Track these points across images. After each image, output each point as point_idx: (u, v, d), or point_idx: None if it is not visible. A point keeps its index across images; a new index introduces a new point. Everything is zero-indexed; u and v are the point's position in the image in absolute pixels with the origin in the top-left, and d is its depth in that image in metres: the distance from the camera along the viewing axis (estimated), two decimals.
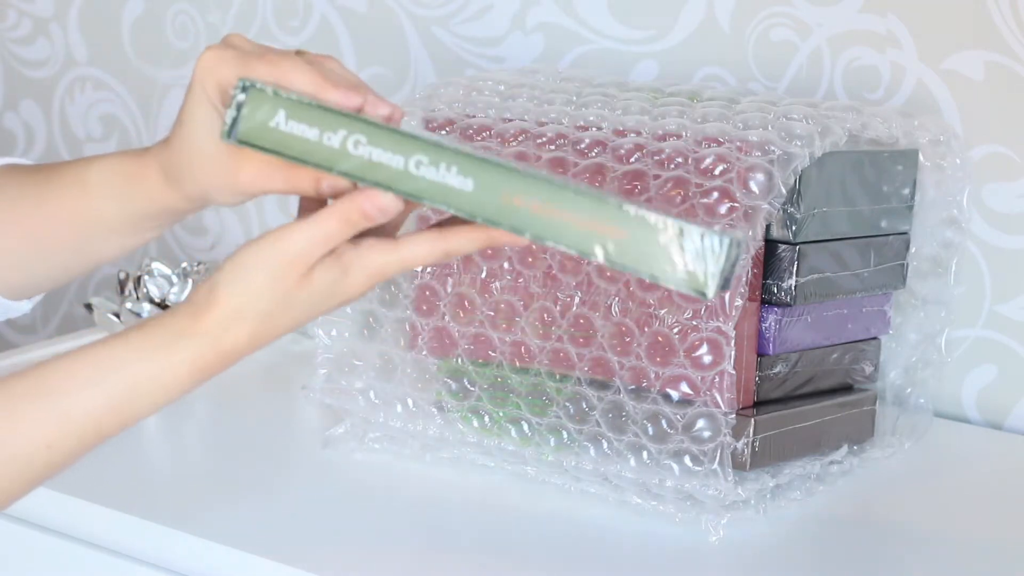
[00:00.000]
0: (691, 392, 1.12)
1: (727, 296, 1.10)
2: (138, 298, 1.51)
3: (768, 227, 1.14)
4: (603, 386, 1.16)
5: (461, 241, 0.88)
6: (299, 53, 0.92)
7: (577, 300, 1.17)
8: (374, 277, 0.88)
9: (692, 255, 0.83)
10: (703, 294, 0.83)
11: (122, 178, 0.97)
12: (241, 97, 0.85)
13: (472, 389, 1.22)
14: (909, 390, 1.32)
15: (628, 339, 1.14)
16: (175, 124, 0.93)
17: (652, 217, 0.83)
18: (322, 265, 0.87)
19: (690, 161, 1.13)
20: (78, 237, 1.00)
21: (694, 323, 1.11)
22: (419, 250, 0.88)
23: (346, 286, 0.88)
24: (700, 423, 1.11)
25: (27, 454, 0.87)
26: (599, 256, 0.83)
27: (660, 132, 1.16)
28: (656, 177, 1.13)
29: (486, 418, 1.21)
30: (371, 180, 0.85)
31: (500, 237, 0.87)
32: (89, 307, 1.53)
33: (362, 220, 0.86)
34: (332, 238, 0.87)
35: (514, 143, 1.21)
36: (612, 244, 0.83)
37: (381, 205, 0.86)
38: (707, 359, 1.11)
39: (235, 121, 0.86)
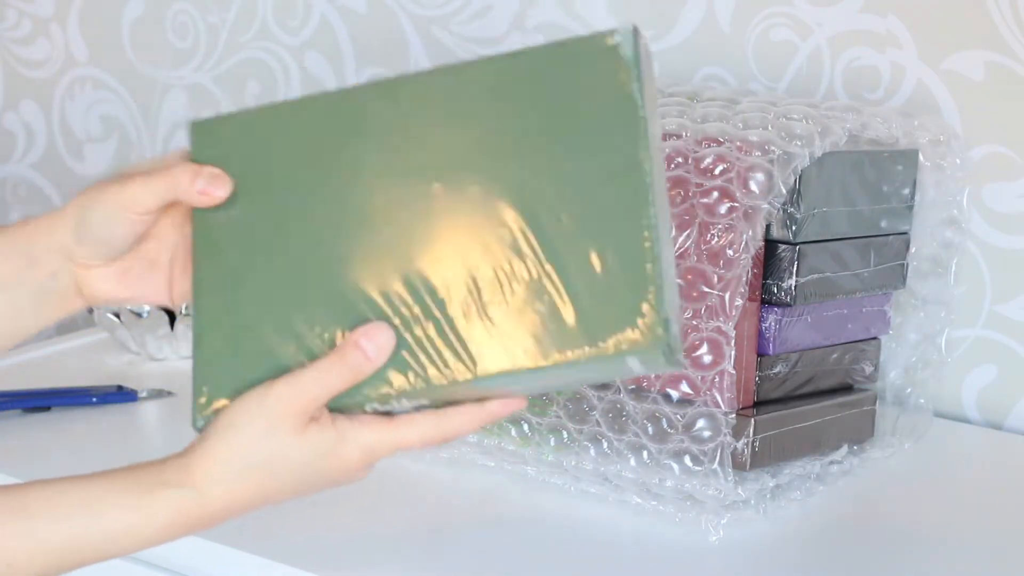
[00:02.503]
0: (691, 392, 1.12)
1: (727, 296, 1.10)
2: None
3: (768, 227, 1.14)
4: (603, 386, 1.16)
5: (460, 421, 0.88)
6: None
7: None
8: (367, 454, 0.87)
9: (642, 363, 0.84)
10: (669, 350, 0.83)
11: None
12: None
13: None
14: (909, 390, 1.32)
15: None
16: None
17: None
18: (317, 425, 0.86)
19: (690, 161, 1.13)
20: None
21: (694, 323, 1.11)
22: (416, 431, 0.87)
23: (341, 457, 0.87)
24: (700, 423, 1.11)
25: None
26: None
27: (660, 132, 1.16)
28: None
29: None
30: None
31: (497, 411, 0.87)
32: (89, 307, 1.53)
33: (364, 362, 0.85)
34: (330, 385, 0.86)
35: None
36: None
37: (380, 343, 0.85)
38: (707, 359, 1.11)
39: None
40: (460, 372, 0.85)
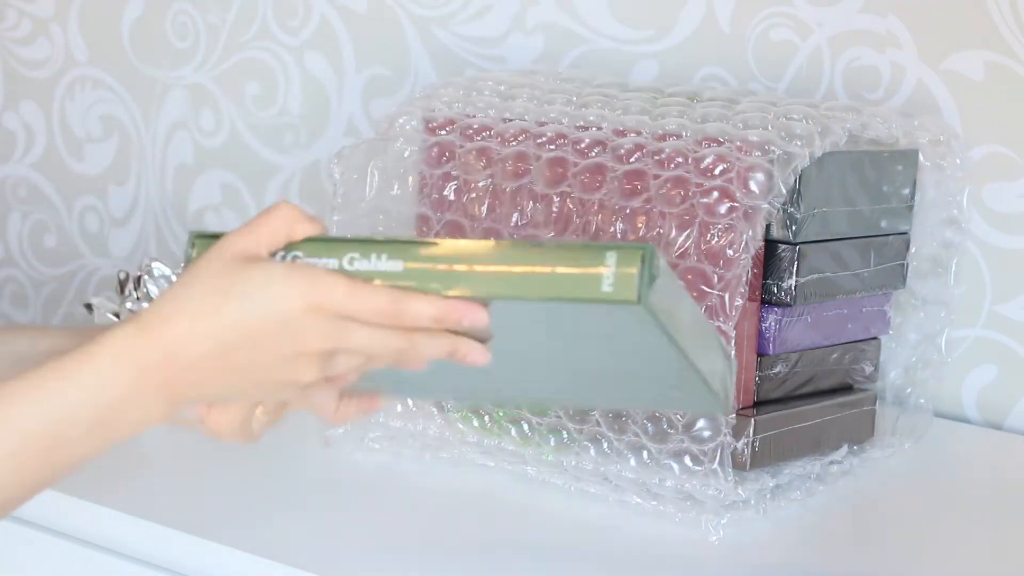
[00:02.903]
0: None
1: (727, 296, 1.10)
2: (138, 298, 1.51)
3: (768, 227, 1.14)
4: None
5: (419, 307, 0.82)
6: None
7: None
8: (314, 302, 0.81)
9: (613, 265, 0.82)
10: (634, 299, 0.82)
11: None
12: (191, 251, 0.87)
13: None
14: (909, 390, 1.32)
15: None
16: None
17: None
18: (267, 262, 0.82)
19: (690, 161, 1.13)
20: None
21: None
22: (372, 296, 0.82)
23: (283, 290, 0.80)
24: (700, 423, 1.11)
25: None
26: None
27: (660, 132, 1.16)
28: (656, 177, 1.13)
29: (486, 418, 1.21)
30: None
31: (463, 347, 0.84)
32: (89, 307, 1.53)
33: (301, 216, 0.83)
34: (283, 227, 0.83)
35: (514, 143, 1.21)
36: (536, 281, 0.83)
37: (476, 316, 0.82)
38: None
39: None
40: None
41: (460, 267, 0.84)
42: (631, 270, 0.81)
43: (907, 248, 1.27)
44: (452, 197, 1.24)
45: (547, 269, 0.82)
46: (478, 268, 0.84)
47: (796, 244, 1.15)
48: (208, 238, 0.87)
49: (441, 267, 0.84)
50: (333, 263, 0.84)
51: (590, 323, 0.85)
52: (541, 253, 0.83)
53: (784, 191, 1.11)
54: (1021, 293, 1.36)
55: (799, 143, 1.12)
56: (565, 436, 1.18)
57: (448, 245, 0.84)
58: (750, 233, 1.10)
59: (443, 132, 1.25)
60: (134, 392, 0.81)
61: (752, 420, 1.14)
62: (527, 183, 1.19)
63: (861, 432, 1.26)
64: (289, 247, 0.84)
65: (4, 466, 0.80)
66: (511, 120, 1.23)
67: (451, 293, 0.84)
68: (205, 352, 0.81)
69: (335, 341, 0.82)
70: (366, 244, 0.85)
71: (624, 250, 0.82)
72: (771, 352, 1.17)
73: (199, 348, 0.81)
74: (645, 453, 1.14)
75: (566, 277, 0.82)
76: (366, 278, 0.83)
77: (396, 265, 0.84)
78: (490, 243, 0.84)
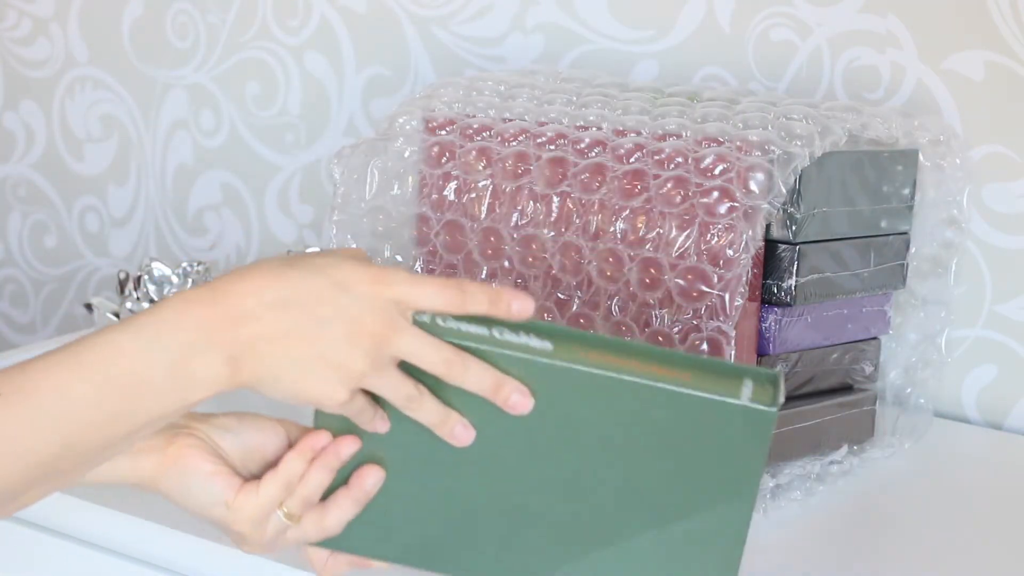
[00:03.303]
0: None
1: (727, 296, 1.10)
2: (138, 298, 1.51)
3: (768, 227, 1.14)
4: None
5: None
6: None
7: (577, 300, 1.17)
8: (377, 273, 0.83)
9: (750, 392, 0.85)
10: (774, 401, 0.85)
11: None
12: None
13: None
14: (909, 390, 1.32)
15: (628, 339, 1.14)
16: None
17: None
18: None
19: (690, 161, 1.13)
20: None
21: (694, 323, 1.11)
22: (433, 284, 0.84)
23: (352, 272, 0.83)
24: None
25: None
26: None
27: (660, 132, 1.16)
28: (656, 177, 1.14)
29: None
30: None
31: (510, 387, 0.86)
32: (89, 307, 1.53)
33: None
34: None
35: (514, 143, 1.21)
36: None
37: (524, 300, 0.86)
38: None
39: None
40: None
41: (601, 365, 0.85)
42: (768, 389, 0.85)
43: (907, 248, 1.27)
44: (452, 197, 1.24)
45: (683, 391, 0.85)
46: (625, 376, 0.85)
47: (796, 244, 1.15)
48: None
49: (585, 356, 0.85)
50: (483, 330, 0.86)
51: (690, 419, 0.86)
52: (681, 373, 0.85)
53: (784, 191, 1.11)
54: (1021, 293, 1.36)
55: (799, 143, 1.12)
56: None
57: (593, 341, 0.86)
58: (750, 233, 1.10)
59: (443, 132, 1.25)
60: (198, 346, 0.81)
61: None
62: (527, 183, 1.19)
63: (861, 432, 1.26)
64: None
65: (87, 410, 0.80)
66: (511, 120, 1.23)
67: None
68: (267, 304, 0.81)
69: (390, 328, 0.83)
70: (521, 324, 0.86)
71: (760, 376, 0.85)
72: (771, 352, 1.17)
73: (261, 301, 0.81)
74: None
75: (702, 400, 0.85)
76: (513, 350, 0.85)
77: (545, 344, 0.86)
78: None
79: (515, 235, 1.19)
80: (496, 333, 0.86)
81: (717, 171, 1.11)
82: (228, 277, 0.83)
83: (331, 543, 0.91)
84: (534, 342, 0.85)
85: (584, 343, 0.86)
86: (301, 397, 0.84)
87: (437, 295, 0.84)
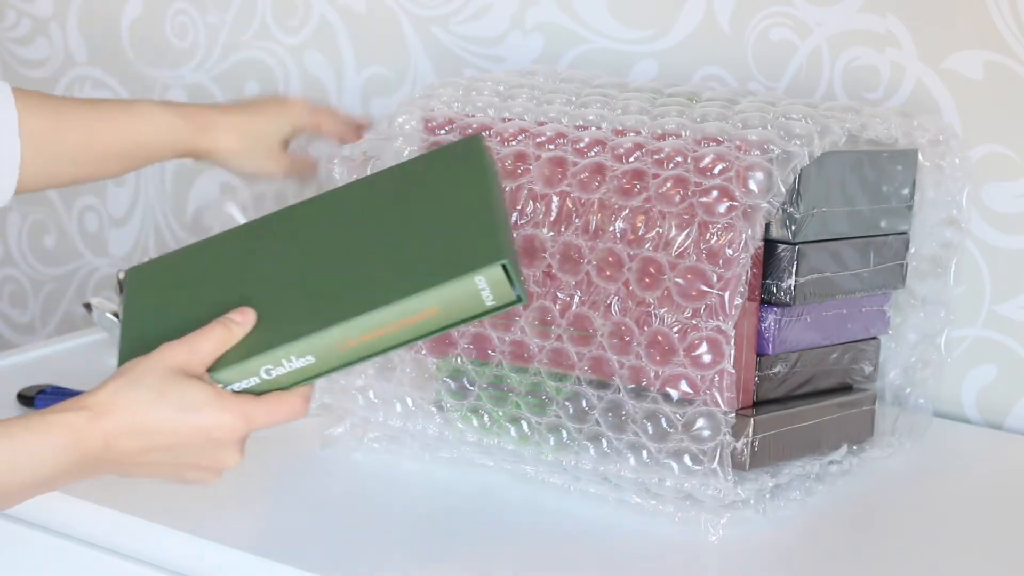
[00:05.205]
0: (691, 391, 1.12)
1: (727, 295, 1.10)
2: None
3: (768, 227, 1.14)
4: (602, 385, 1.16)
5: (307, 388, 1.04)
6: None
7: (576, 299, 1.17)
8: (244, 420, 1.00)
9: (491, 288, 1.00)
10: (520, 299, 1.00)
11: (169, 130, 1.26)
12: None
13: (471, 388, 1.22)
14: (909, 390, 1.32)
15: (627, 338, 1.14)
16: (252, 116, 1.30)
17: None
18: (200, 381, 0.99)
19: (689, 160, 1.13)
20: (102, 159, 1.25)
21: (694, 322, 1.11)
22: (284, 405, 1.02)
23: (220, 414, 0.99)
24: (700, 422, 1.11)
25: None
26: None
27: (659, 131, 1.16)
28: (655, 176, 1.14)
29: (485, 417, 1.21)
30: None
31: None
32: (88, 307, 1.53)
33: (235, 325, 1.02)
34: (209, 340, 1.01)
35: (513, 142, 1.21)
36: (433, 320, 1.01)
37: (247, 316, 1.02)
38: (707, 358, 1.11)
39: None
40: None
41: (357, 341, 1.00)
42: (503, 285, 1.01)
43: (906, 248, 1.27)
44: None
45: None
46: (378, 334, 1.00)
47: (795, 244, 1.15)
48: (139, 269, 1.12)
49: (342, 346, 1.01)
50: (253, 381, 1.02)
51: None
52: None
53: (783, 190, 1.11)
54: (1021, 293, 1.36)
55: (798, 143, 1.12)
56: (564, 435, 1.18)
57: (339, 331, 1.00)
58: (749, 232, 1.10)
59: (443, 132, 1.25)
60: (70, 471, 0.97)
61: (751, 420, 1.14)
62: (527, 182, 1.19)
63: (861, 432, 1.26)
64: (212, 370, 1.01)
65: None
66: (510, 120, 1.23)
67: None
68: (137, 448, 0.98)
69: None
70: (273, 354, 1.01)
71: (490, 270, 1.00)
72: (771, 352, 1.17)
73: (132, 444, 0.98)
74: (644, 453, 1.14)
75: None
76: (287, 380, 1.02)
77: (307, 360, 1.01)
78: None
79: (515, 234, 1.19)
80: (265, 375, 1.01)
81: (716, 170, 1.11)
82: (109, 404, 0.98)
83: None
84: (298, 363, 1.01)
85: (336, 343, 1.01)
86: None
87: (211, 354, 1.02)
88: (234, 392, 1.01)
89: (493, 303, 1.00)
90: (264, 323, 1.03)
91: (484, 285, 0.99)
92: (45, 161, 1.24)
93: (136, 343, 1.05)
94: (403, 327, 1.00)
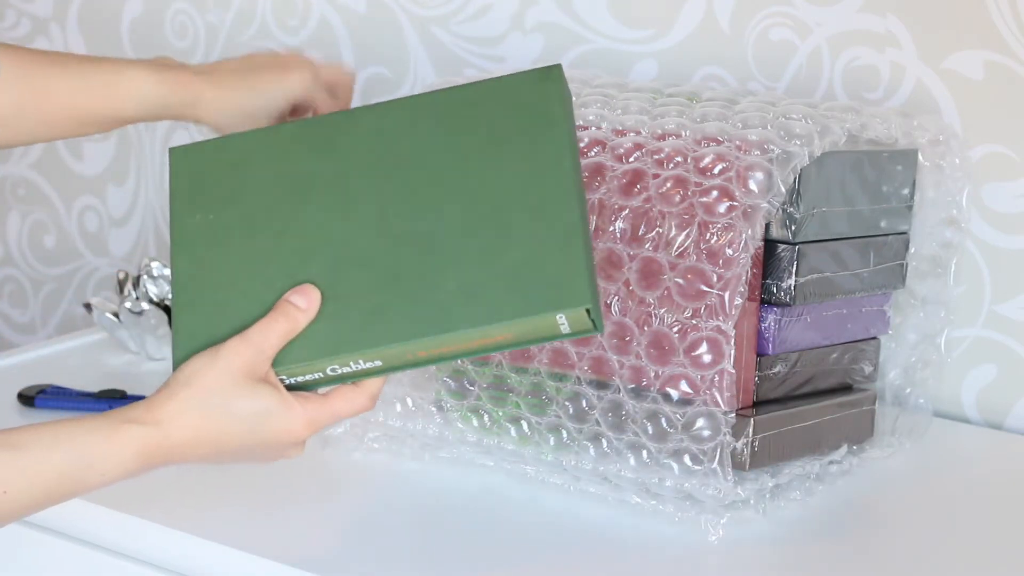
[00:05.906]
0: (691, 391, 1.12)
1: (726, 295, 1.10)
2: (137, 298, 1.51)
3: (768, 227, 1.14)
4: (602, 385, 1.16)
5: (376, 384, 1.02)
6: None
7: None
8: (309, 424, 0.99)
9: (570, 322, 0.98)
10: (597, 328, 0.98)
11: (154, 103, 1.20)
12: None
13: (471, 388, 1.22)
14: (909, 390, 1.32)
15: (628, 338, 1.14)
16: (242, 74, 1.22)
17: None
18: (266, 385, 0.98)
19: (689, 160, 1.13)
20: (83, 125, 1.21)
21: (694, 322, 1.11)
22: (347, 403, 1.01)
23: (287, 418, 0.98)
24: (700, 422, 1.11)
25: None
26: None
27: (659, 131, 1.16)
28: (655, 176, 1.14)
29: (485, 417, 1.21)
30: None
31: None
32: (88, 307, 1.53)
33: (298, 313, 0.99)
34: (271, 334, 0.98)
35: None
36: (504, 341, 1.00)
37: (310, 298, 1.00)
38: (707, 358, 1.11)
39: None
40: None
41: (427, 352, 1.00)
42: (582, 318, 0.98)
43: (906, 248, 1.27)
44: None
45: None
46: (448, 348, 0.99)
47: (795, 244, 1.15)
48: (184, 150, 1.07)
49: (411, 355, 1.00)
50: (317, 375, 1.00)
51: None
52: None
53: (783, 190, 1.11)
54: (1021, 293, 1.36)
55: (798, 143, 1.12)
56: (565, 435, 1.18)
57: (413, 345, 0.99)
58: (749, 232, 1.10)
59: None
60: (134, 475, 0.97)
61: (751, 420, 1.14)
62: None
63: (861, 432, 1.26)
64: (277, 364, 0.99)
65: (20, 496, 0.94)
66: None
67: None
68: (203, 455, 0.98)
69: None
70: (342, 356, 0.99)
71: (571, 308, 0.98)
72: (771, 352, 1.17)
73: (198, 452, 0.98)
74: (644, 452, 1.14)
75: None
76: (351, 377, 1.00)
77: (375, 363, 1.00)
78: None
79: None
80: (329, 371, 1.00)
81: (716, 170, 1.11)
82: (178, 415, 0.97)
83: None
84: (365, 365, 1.00)
85: (406, 352, 1.00)
86: None
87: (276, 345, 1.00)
88: (299, 392, 1.00)
89: (568, 331, 0.99)
90: (331, 317, 1.00)
91: (564, 321, 0.98)
92: (20, 124, 1.21)
93: (194, 320, 1.02)
94: (475, 345, 1.00)
